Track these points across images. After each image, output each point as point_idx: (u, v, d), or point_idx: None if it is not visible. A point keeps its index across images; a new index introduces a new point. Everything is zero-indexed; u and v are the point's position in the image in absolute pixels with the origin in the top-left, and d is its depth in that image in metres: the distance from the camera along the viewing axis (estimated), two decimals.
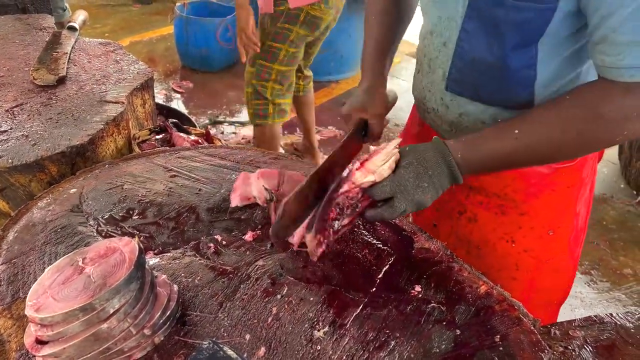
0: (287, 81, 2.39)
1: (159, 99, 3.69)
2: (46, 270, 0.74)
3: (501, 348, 0.76)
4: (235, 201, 1.04)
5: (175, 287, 0.81)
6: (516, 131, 0.82)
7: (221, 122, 3.53)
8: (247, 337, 0.77)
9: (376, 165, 0.81)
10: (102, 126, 1.31)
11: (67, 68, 1.60)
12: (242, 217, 1.03)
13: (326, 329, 0.79)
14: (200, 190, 1.10)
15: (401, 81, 4.20)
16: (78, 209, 1.02)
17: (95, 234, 0.96)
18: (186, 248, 0.94)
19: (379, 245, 0.97)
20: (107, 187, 1.09)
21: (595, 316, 0.86)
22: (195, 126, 1.95)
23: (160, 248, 0.94)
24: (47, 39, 1.82)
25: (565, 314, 2.04)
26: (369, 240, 0.98)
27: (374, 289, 0.87)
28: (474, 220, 1.09)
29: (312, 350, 0.75)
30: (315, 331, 0.78)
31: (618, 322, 0.85)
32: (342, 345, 0.76)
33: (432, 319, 0.81)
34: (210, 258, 0.92)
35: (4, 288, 0.84)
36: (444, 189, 0.84)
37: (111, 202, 1.05)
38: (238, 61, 2.64)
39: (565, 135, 0.80)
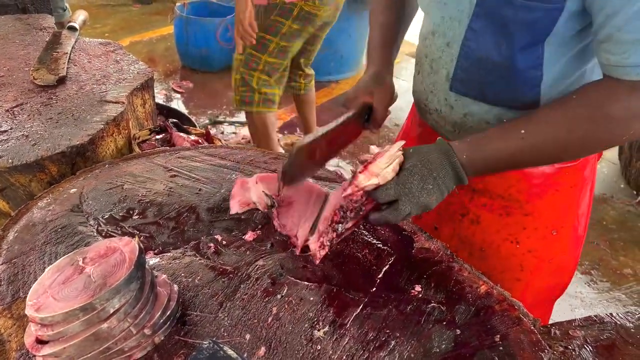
0: (276, 73, 2.40)
1: (159, 99, 3.69)
2: (46, 270, 0.74)
3: (501, 348, 0.76)
4: (235, 208, 1.03)
5: (176, 287, 0.81)
6: (522, 131, 0.82)
7: (221, 122, 3.53)
8: (247, 336, 0.77)
9: (380, 168, 0.81)
10: (102, 126, 1.31)
11: (67, 68, 1.60)
12: (242, 217, 1.03)
13: (326, 328, 0.79)
14: (200, 190, 1.10)
15: (401, 81, 4.20)
16: (78, 209, 1.02)
17: (95, 233, 0.96)
18: (186, 248, 0.94)
19: (379, 245, 0.97)
20: (107, 187, 1.09)
21: (596, 316, 0.86)
22: (195, 126, 1.95)
23: (160, 248, 0.94)
24: (47, 39, 1.82)
25: (565, 314, 2.04)
26: (369, 240, 0.98)
27: (374, 289, 0.87)
28: (477, 222, 1.09)
29: (312, 350, 0.75)
30: (316, 331, 0.78)
31: (618, 322, 0.85)
32: (342, 345, 0.76)
33: (432, 318, 0.81)
34: (210, 258, 0.92)
35: (4, 288, 0.84)
36: (449, 190, 0.83)
37: (111, 202, 1.05)
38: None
39: (572, 135, 0.80)
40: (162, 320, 0.75)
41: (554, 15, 0.80)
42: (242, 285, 0.86)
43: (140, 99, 1.59)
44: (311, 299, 0.84)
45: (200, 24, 3.93)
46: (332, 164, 3.13)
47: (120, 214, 1.02)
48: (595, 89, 0.81)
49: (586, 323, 0.85)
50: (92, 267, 0.74)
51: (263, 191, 1.01)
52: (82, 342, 0.68)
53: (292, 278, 0.88)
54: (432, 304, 0.84)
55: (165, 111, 2.34)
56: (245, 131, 3.44)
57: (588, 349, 0.80)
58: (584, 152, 0.89)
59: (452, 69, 0.97)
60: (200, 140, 1.62)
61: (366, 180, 0.80)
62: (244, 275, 0.88)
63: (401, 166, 0.83)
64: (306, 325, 0.79)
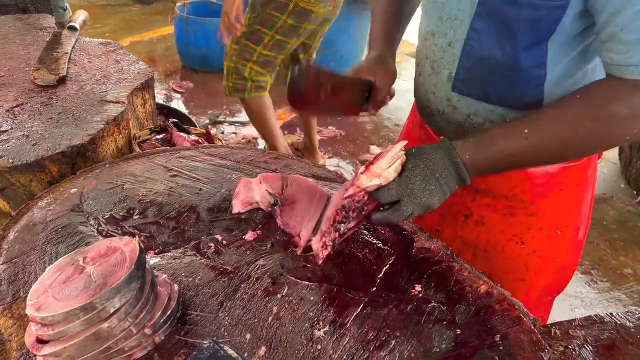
0: (269, 66, 2.44)
1: (159, 99, 3.69)
2: (47, 269, 0.74)
3: (501, 347, 0.76)
4: (237, 207, 1.03)
5: (176, 287, 0.81)
6: (525, 130, 0.81)
7: (221, 122, 3.53)
8: (248, 336, 0.77)
9: (381, 168, 0.80)
10: (102, 126, 1.32)
11: (67, 68, 1.60)
12: (243, 216, 1.03)
13: (326, 328, 0.79)
14: (200, 189, 1.10)
15: (401, 81, 4.20)
16: (78, 209, 1.02)
17: (95, 233, 0.96)
18: (187, 247, 0.94)
19: (379, 245, 0.97)
20: (107, 186, 1.09)
21: (596, 316, 0.86)
22: (195, 126, 1.95)
23: (160, 247, 0.94)
24: (47, 39, 1.82)
25: (565, 314, 2.04)
26: (370, 239, 0.98)
27: (374, 289, 0.87)
28: (481, 224, 1.09)
29: (312, 350, 0.75)
30: (316, 330, 0.78)
31: (618, 322, 0.85)
32: (342, 345, 0.76)
33: (432, 318, 0.81)
34: (210, 257, 0.92)
35: (4, 287, 0.84)
36: (451, 190, 0.83)
37: (112, 202, 1.05)
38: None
39: (575, 134, 0.80)
40: (162, 320, 0.75)
41: (557, 14, 0.79)
42: (242, 285, 0.86)
43: (140, 98, 1.59)
44: (311, 298, 0.84)
45: (201, 24, 3.93)
46: (333, 164, 3.13)
47: (121, 214, 1.02)
48: (598, 88, 0.81)
49: (586, 323, 0.85)
50: (93, 266, 0.74)
51: (266, 190, 1.01)
52: (82, 342, 0.68)
53: (293, 278, 0.88)
54: (432, 304, 0.84)
55: (165, 111, 2.35)
56: (245, 131, 3.45)
57: (588, 349, 0.80)
58: (587, 151, 0.89)
59: (454, 69, 0.96)
60: (200, 140, 1.62)
61: (368, 181, 0.80)
62: (244, 274, 0.88)
63: (403, 166, 0.82)
64: (306, 324, 0.79)
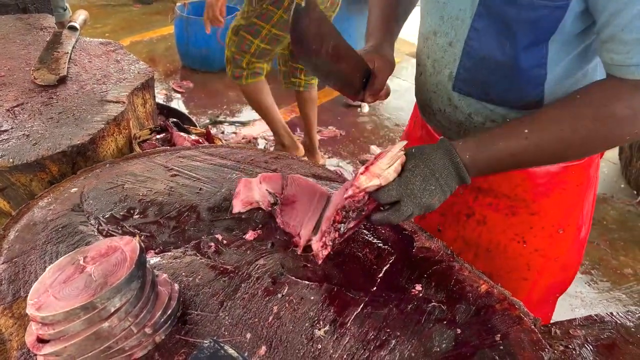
0: (266, 57, 2.56)
1: (160, 98, 3.70)
2: (47, 269, 0.74)
3: (502, 347, 0.76)
4: (237, 207, 1.03)
5: (176, 286, 0.81)
6: (526, 130, 0.81)
7: (221, 122, 3.54)
8: (248, 336, 0.77)
9: (381, 168, 0.80)
10: (102, 126, 1.32)
11: (67, 68, 1.60)
12: (243, 216, 1.03)
13: (327, 327, 0.79)
14: (201, 189, 1.10)
15: (401, 81, 4.20)
16: (79, 208, 1.02)
17: (96, 233, 0.96)
18: (187, 247, 0.94)
19: (379, 245, 0.97)
20: (108, 186, 1.09)
21: (596, 315, 0.86)
22: (195, 126, 1.95)
23: (161, 247, 0.94)
24: (47, 39, 1.82)
25: (565, 314, 2.04)
26: (370, 239, 0.98)
27: (375, 288, 0.87)
28: (483, 223, 1.09)
29: (312, 349, 0.75)
30: (316, 330, 0.78)
31: (619, 321, 0.85)
32: (342, 344, 0.76)
33: (432, 318, 0.81)
34: (211, 257, 0.92)
35: (5, 287, 0.84)
36: (451, 191, 0.83)
37: (112, 202, 1.05)
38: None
39: (575, 134, 0.80)
40: (162, 320, 0.75)
41: (558, 14, 0.79)
42: (242, 285, 0.86)
43: (140, 98, 1.59)
44: (312, 298, 0.84)
45: (201, 24, 3.89)
46: (333, 164, 3.13)
47: (121, 214, 1.02)
48: (599, 88, 0.81)
49: (587, 322, 0.85)
50: (93, 266, 0.74)
51: (267, 189, 1.01)
52: (83, 341, 0.68)
53: (293, 277, 0.88)
54: (433, 303, 0.84)
55: (165, 111, 2.35)
56: (245, 131, 3.45)
57: (589, 348, 0.80)
58: (587, 151, 0.89)
59: (454, 68, 0.96)
60: (200, 140, 1.62)
61: (367, 181, 0.80)
62: (244, 274, 0.88)
63: (403, 167, 0.82)
64: (307, 324, 0.79)
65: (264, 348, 0.75)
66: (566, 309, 2.21)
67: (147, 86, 1.60)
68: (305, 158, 2.93)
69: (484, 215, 1.08)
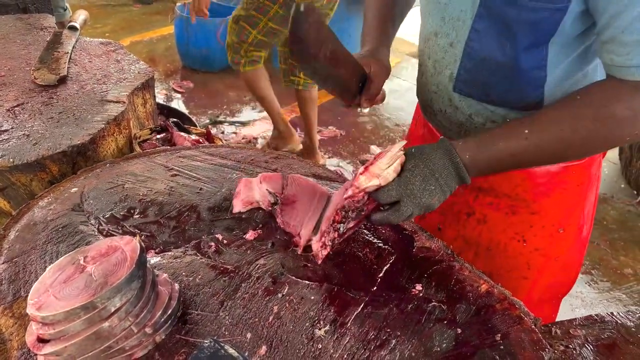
0: (264, 47, 2.66)
1: (160, 98, 3.69)
2: (47, 269, 0.74)
3: (502, 347, 0.76)
4: (238, 207, 1.03)
5: (177, 286, 0.81)
6: (526, 131, 0.81)
7: (222, 122, 3.54)
8: (248, 335, 0.77)
9: (380, 168, 0.80)
10: (103, 125, 1.32)
11: (68, 67, 1.60)
12: (243, 216, 1.03)
13: (327, 327, 0.79)
14: (201, 189, 1.10)
15: (401, 81, 4.20)
16: (79, 208, 1.02)
17: (96, 232, 0.96)
18: (187, 247, 0.94)
19: (379, 244, 0.97)
20: (108, 186, 1.09)
21: (596, 315, 0.86)
22: (196, 126, 1.95)
23: (161, 247, 0.94)
24: (48, 39, 1.82)
25: (566, 314, 2.04)
26: (370, 239, 0.98)
27: (375, 288, 0.87)
28: (484, 222, 1.09)
29: (313, 349, 0.75)
30: (316, 330, 0.78)
31: (619, 321, 0.85)
32: (343, 344, 0.76)
33: (433, 317, 0.81)
34: (211, 257, 0.92)
35: (5, 287, 0.84)
36: (451, 191, 0.83)
37: (112, 201, 1.05)
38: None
39: (576, 135, 0.80)
40: (163, 319, 0.75)
41: (558, 16, 0.79)
42: (243, 284, 0.86)
43: (141, 98, 1.59)
44: (312, 298, 0.84)
45: (201, 24, 3.92)
46: (333, 164, 3.13)
47: (121, 213, 1.02)
48: (599, 89, 0.81)
49: (587, 322, 0.85)
50: (93, 266, 0.74)
51: (267, 189, 1.01)
52: (83, 341, 0.68)
53: (293, 277, 0.88)
54: (433, 303, 0.84)
55: (165, 111, 2.35)
56: (245, 131, 3.45)
57: (589, 348, 0.80)
58: (587, 151, 0.89)
59: (455, 69, 0.96)
60: (201, 140, 1.62)
61: (367, 182, 0.80)
62: (244, 274, 0.88)
63: (403, 167, 0.82)
64: (307, 324, 0.79)
65: (264, 348, 0.75)
66: (566, 309, 2.21)
67: (147, 86, 1.60)
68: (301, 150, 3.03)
69: (484, 214, 1.08)
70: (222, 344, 0.69)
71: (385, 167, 0.80)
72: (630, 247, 2.59)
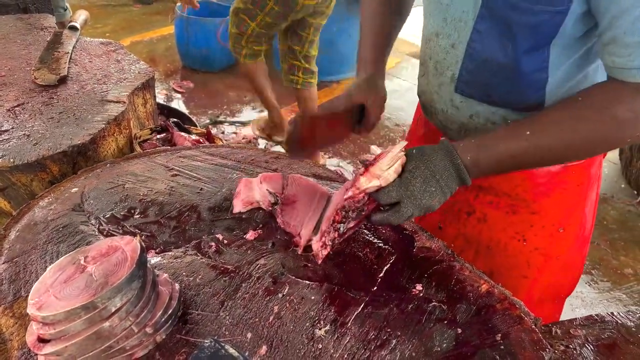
0: (263, 39, 2.70)
1: (160, 99, 3.69)
2: (48, 268, 0.74)
3: (502, 347, 0.76)
4: (238, 207, 1.04)
5: (177, 286, 0.81)
6: (527, 132, 0.81)
7: (222, 122, 3.53)
8: (249, 335, 0.77)
9: (381, 169, 0.80)
10: (103, 125, 1.32)
11: (68, 67, 1.60)
12: (244, 216, 1.03)
13: (327, 327, 0.79)
14: (201, 189, 1.10)
15: (401, 81, 4.20)
16: (79, 208, 1.02)
17: (96, 232, 0.96)
18: (187, 247, 0.94)
19: (380, 244, 0.97)
20: (108, 186, 1.09)
21: (597, 315, 0.86)
22: (196, 126, 1.95)
23: (161, 247, 0.94)
24: (48, 39, 1.82)
25: (566, 314, 2.04)
26: (370, 239, 0.98)
27: (375, 288, 0.87)
28: (484, 221, 1.09)
29: (313, 349, 0.76)
30: (317, 330, 0.78)
31: (619, 321, 0.85)
32: (343, 344, 0.76)
33: (433, 317, 0.81)
34: (211, 257, 0.92)
35: (5, 287, 0.84)
36: (452, 192, 0.83)
37: (113, 201, 1.05)
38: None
39: (577, 136, 0.80)
40: (163, 319, 0.75)
41: (558, 19, 0.79)
42: (243, 284, 0.86)
43: (141, 98, 1.59)
44: (312, 297, 0.84)
45: (201, 24, 3.93)
46: (333, 164, 3.13)
47: (122, 213, 1.02)
48: (601, 90, 0.81)
49: (587, 322, 0.85)
50: (94, 266, 0.74)
51: (267, 189, 1.01)
52: (83, 341, 0.68)
53: (294, 277, 0.88)
54: (433, 303, 0.84)
55: (166, 111, 2.35)
56: (245, 131, 3.45)
57: (589, 348, 0.80)
58: (588, 153, 0.89)
59: (457, 70, 0.96)
60: (201, 140, 1.62)
61: (367, 183, 0.80)
62: (245, 274, 0.88)
63: (404, 167, 0.82)
64: (307, 324, 0.79)
65: (264, 348, 0.75)
66: (567, 308, 2.20)
67: (147, 86, 1.61)
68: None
69: (485, 213, 1.08)
70: (223, 344, 0.69)
71: (386, 168, 0.80)
72: (631, 247, 2.59)
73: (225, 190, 1.10)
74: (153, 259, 0.91)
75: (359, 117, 1.01)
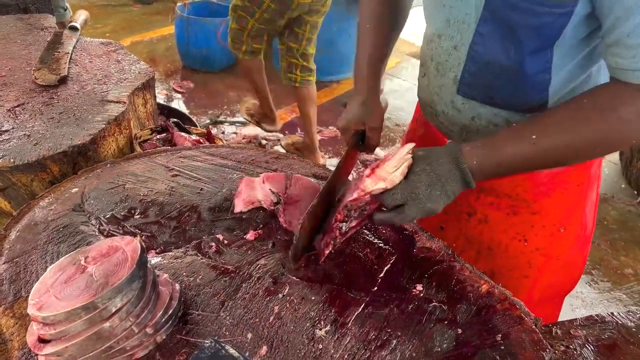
0: (262, 34, 2.75)
1: (160, 99, 3.69)
2: (48, 269, 0.74)
3: (503, 347, 0.76)
4: (239, 206, 1.04)
5: (177, 286, 0.82)
6: (533, 136, 0.80)
7: (222, 122, 3.53)
8: (249, 336, 0.77)
9: (387, 172, 0.80)
10: (103, 126, 1.32)
11: (68, 68, 1.60)
12: (244, 216, 1.03)
13: (328, 327, 0.79)
14: (201, 189, 1.10)
15: (401, 81, 4.20)
16: (80, 208, 1.02)
17: (97, 233, 0.96)
18: (188, 247, 0.94)
19: (380, 245, 0.97)
20: (108, 186, 1.09)
21: (597, 315, 0.86)
22: (196, 126, 1.95)
23: (162, 247, 0.94)
24: (48, 39, 1.82)
25: (566, 314, 2.04)
26: (371, 239, 0.98)
27: (376, 288, 0.87)
28: (485, 222, 1.09)
29: (313, 349, 0.76)
30: (317, 330, 0.78)
31: (619, 322, 0.85)
32: (343, 344, 0.76)
33: (433, 318, 0.81)
34: (212, 257, 0.92)
35: (6, 287, 0.84)
36: (455, 195, 0.82)
37: (113, 202, 1.05)
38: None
39: (582, 138, 0.79)
40: (164, 320, 0.75)
41: (562, 21, 0.79)
42: (243, 285, 0.86)
43: (141, 98, 1.59)
44: (313, 298, 0.84)
45: (201, 24, 3.93)
46: (333, 164, 3.13)
47: (122, 214, 1.02)
48: (604, 92, 0.80)
49: (587, 322, 0.85)
50: (94, 266, 0.74)
51: (270, 189, 1.01)
52: (84, 341, 0.68)
53: (294, 277, 0.88)
54: (434, 303, 0.84)
55: (166, 111, 2.35)
56: (246, 131, 3.45)
57: (589, 348, 0.80)
58: (593, 155, 0.88)
59: (459, 72, 0.96)
60: (201, 140, 1.62)
61: (373, 185, 0.79)
62: (245, 274, 0.88)
63: (409, 169, 0.81)
64: (308, 324, 0.80)
65: (265, 348, 0.75)
66: (567, 309, 2.21)
67: (147, 86, 1.61)
68: (276, 130, 3.28)
69: (486, 214, 1.08)
70: (223, 344, 0.69)
71: (392, 171, 0.80)
72: (631, 247, 2.59)
73: (226, 190, 1.10)
74: (153, 259, 0.91)
75: (361, 138, 1.03)
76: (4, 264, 0.88)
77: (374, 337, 0.78)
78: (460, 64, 0.95)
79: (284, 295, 0.84)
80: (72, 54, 1.71)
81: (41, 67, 1.58)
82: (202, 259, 0.91)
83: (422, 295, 0.86)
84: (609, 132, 0.79)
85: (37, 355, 0.69)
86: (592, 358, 0.78)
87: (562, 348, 0.79)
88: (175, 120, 1.67)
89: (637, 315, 0.86)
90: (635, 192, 2.98)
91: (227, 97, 3.88)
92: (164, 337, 0.76)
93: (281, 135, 3.37)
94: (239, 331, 0.78)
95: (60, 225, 0.98)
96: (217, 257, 0.92)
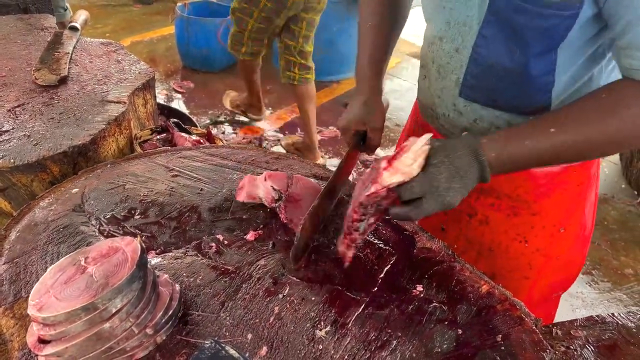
0: (263, 34, 2.82)
1: (160, 99, 3.69)
2: (48, 269, 0.74)
3: (503, 348, 0.76)
4: (241, 197, 1.04)
5: (177, 287, 0.81)
6: (552, 130, 0.79)
7: (222, 122, 3.53)
8: (249, 336, 0.77)
9: (405, 164, 0.77)
10: (103, 126, 1.32)
11: (68, 68, 1.60)
12: (244, 216, 1.03)
13: (328, 328, 0.79)
14: (202, 190, 1.10)
15: (402, 81, 4.20)
16: (80, 209, 1.02)
17: (97, 233, 0.96)
18: (188, 248, 0.94)
19: (380, 245, 0.97)
20: (109, 186, 1.09)
21: (597, 316, 0.86)
22: (196, 126, 1.95)
23: (162, 248, 0.94)
24: (48, 39, 1.82)
25: (566, 314, 2.04)
26: (371, 239, 0.98)
27: (376, 289, 0.87)
28: (486, 223, 1.09)
29: (313, 350, 0.75)
30: (317, 330, 0.78)
31: (620, 322, 0.85)
32: (343, 345, 0.76)
33: (433, 318, 0.81)
34: (212, 258, 0.92)
35: (6, 287, 0.84)
36: (471, 189, 0.81)
37: (113, 202, 1.05)
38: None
39: (601, 134, 0.78)
40: (164, 320, 0.75)
41: (568, 22, 0.78)
42: (243, 285, 0.86)
43: (141, 98, 1.59)
44: (313, 298, 0.84)
45: (201, 24, 3.93)
46: (333, 164, 3.13)
47: (122, 214, 1.02)
48: (622, 88, 0.80)
49: (588, 323, 0.85)
50: (94, 266, 0.74)
51: (271, 186, 1.01)
52: (84, 342, 0.68)
53: (294, 278, 0.88)
54: (434, 304, 0.84)
55: (166, 111, 2.35)
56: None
57: (590, 349, 0.80)
58: (609, 151, 0.87)
59: (461, 75, 0.95)
60: (201, 140, 1.62)
61: (391, 178, 0.77)
62: (245, 274, 0.88)
63: (426, 161, 0.79)
64: (308, 324, 0.79)
65: (265, 349, 0.75)
66: (567, 309, 2.21)
67: (147, 86, 1.61)
68: (262, 117, 3.45)
69: (486, 215, 1.08)
70: (223, 345, 0.69)
71: (410, 163, 0.77)
72: (631, 248, 2.59)
73: (226, 190, 1.10)
74: (153, 259, 0.91)
75: (362, 138, 1.02)
76: (4, 264, 0.88)
77: (374, 337, 0.78)
78: (462, 67, 0.94)
79: (284, 296, 0.84)
80: (72, 54, 1.71)
81: (41, 67, 1.58)
82: (202, 259, 0.91)
83: (422, 295, 0.86)
84: (626, 130, 0.78)
85: (37, 355, 0.69)
86: (592, 359, 0.78)
87: (563, 349, 0.79)
88: (176, 120, 1.67)
89: (638, 316, 0.86)
90: (636, 192, 2.98)
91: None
92: (164, 338, 0.76)
93: (281, 135, 3.37)
94: (239, 332, 0.78)
95: (60, 225, 0.98)
96: (217, 258, 0.92)
